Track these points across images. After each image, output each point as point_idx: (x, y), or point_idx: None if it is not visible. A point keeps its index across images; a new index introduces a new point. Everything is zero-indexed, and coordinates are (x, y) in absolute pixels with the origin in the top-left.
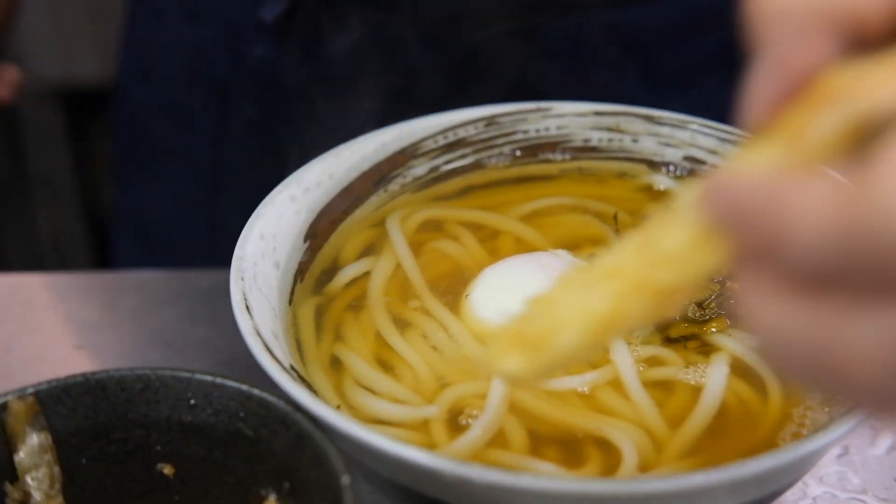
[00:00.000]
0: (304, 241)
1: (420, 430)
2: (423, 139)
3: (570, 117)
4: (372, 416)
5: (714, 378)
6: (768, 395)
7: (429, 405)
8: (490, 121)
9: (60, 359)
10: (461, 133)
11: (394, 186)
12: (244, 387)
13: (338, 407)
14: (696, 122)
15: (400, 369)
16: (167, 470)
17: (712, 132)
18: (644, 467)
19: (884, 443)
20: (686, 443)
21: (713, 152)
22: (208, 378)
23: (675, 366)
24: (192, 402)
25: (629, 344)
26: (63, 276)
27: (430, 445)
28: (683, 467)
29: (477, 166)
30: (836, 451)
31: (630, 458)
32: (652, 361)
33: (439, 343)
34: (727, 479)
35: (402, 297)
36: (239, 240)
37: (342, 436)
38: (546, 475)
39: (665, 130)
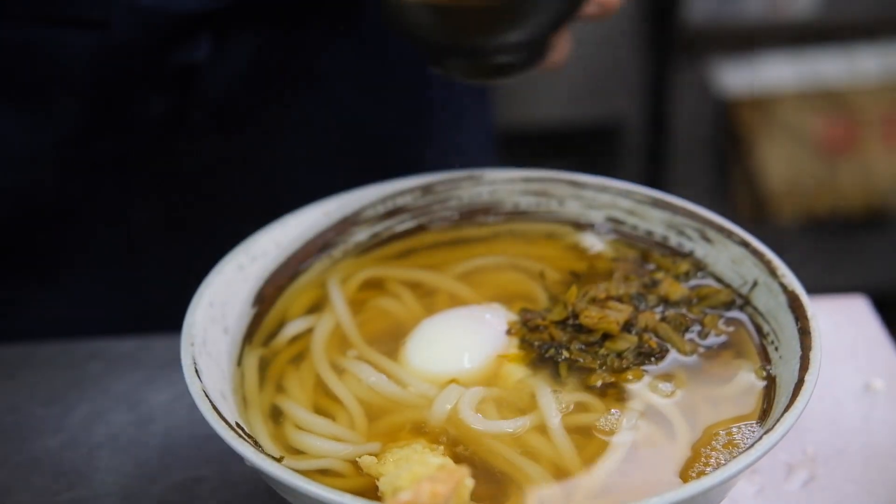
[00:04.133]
0: (252, 306)
1: (361, 475)
2: (364, 208)
3: (500, 184)
4: (315, 454)
5: (625, 424)
6: (677, 439)
7: (368, 442)
8: (426, 189)
9: (27, 424)
10: (399, 201)
11: (337, 252)
12: None
13: (280, 458)
14: (615, 187)
15: (337, 412)
16: None
17: (630, 195)
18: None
19: (797, 479)
20: (598, 483)
21: (631, 213)
22: None
23: (595, 412)
24: None
25: (554, 391)
26: (28, 346)
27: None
28: None
29: (415, 231)
30: (752, 488)
31: (546, 497)
32: (576, 408)
33: (374, 384)
34: None
35: (341, 349)
36: (189, 307)
37: (284, 486)
38: None
39: (588, 194)
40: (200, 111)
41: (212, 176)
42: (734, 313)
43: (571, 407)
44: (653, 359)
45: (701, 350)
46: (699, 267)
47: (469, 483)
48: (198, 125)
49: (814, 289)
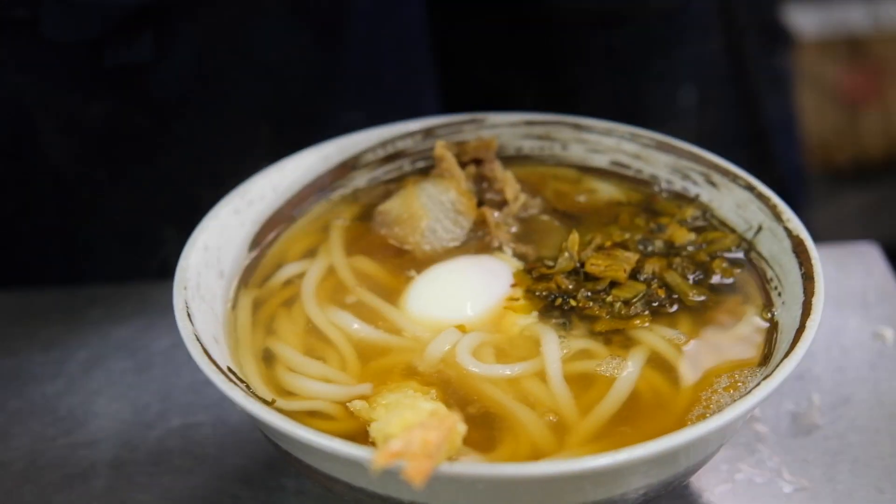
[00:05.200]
0: (249, 250)
1: (352, 418)
2: (364, 151)
3: (502, 127)
4: (306, 396)
5: (627, 370)
6: (679, 384)
7: (359, 383)
8: (427, 132)
9: (26, 370)
10: (400, 145)
11: (335, 196)
12: None
13: (272, 402)
14: (620, 130)
15: (328, 354)
16: None
17: (635, 139)
18: (551, 451)
19: (802, 427)
20: (593, 428)
21: (636, 157)
22: None
23: (598, 359)
24: None
25: (560, 337)
26: (28, 293)
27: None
28: (589, 451)
29: (415, 175)
30: (756, 436)
31: (538, 442)
32: (580, 355)
33: (357, 331)
34: (632, 459)
35: (339, 294)
36: (183, 251)
37: (274, 430)
38: (461, 461)
39: (592, 137)
40: (143, 114)
41: (161, 178)
42: (739, 259)
43: (573, 353)
44: (660, 305)
45: (706, 296)
46: (704, 211)
47: (461, 429)
48: (141, 129)
49: (833, 238)
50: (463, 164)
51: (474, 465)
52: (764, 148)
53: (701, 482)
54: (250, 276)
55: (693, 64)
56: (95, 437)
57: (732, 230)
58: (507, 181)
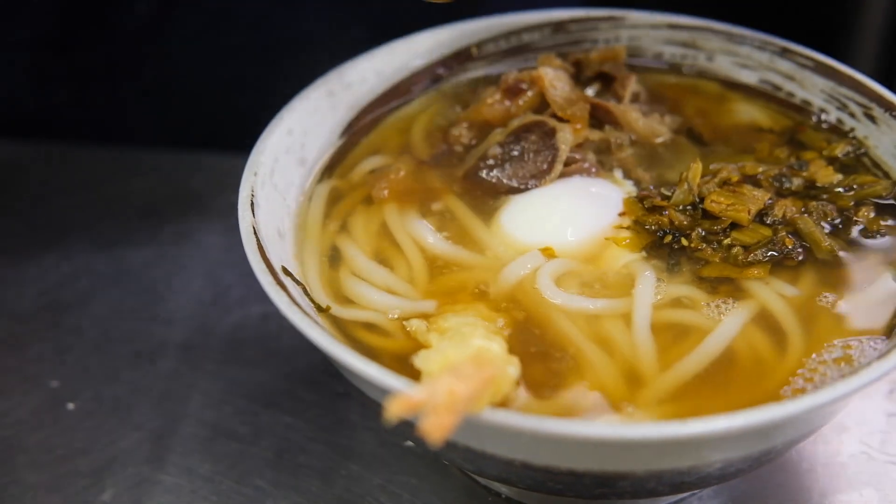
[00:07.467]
0: (340, 137)
1: (409, 336)
2: (484, 41)
3: (642, 28)
4: (364, 305)
5: (725, 325)
6: (786, 350)
7: (423, 300)
8: (558, 26)
9: (121, 234)
10: (525, 38)
11: (446, 88)
12: None
13: (327, 308)
14: (777, 44)
15: (398, 263)
16: None
17: (792, 56)
18: (618, 406)
19: None
20: (672, 386)
21: (790, 77)
22: None
23: (698, 309)
24: None
25: (659, 280)
26: (132, 150)
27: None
28: (662, 412)
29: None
30: (891, 409)
31: (609, 392)
32: (677, 302)
33: (432, 245)
34: (701, 433)
35: (427, 197)
36: (262, 134)
37: (313, 342)
38: (507, 412)
39: (743, 50)
40: (190, 9)
41: (208, 78)
42: (889, 209)
43: (670, 299)
44: (784, 256)
45: (841, 250)
46: (857, 149)
47: (512, 373)
48: (188, 25)
49: None
50: (584, 81)
51: (513, 417)
52: None
53: (810, 453)
54: (336, 166)
55: None
56: (172, 315)
57: (886, 175)
58: (628, 83)
